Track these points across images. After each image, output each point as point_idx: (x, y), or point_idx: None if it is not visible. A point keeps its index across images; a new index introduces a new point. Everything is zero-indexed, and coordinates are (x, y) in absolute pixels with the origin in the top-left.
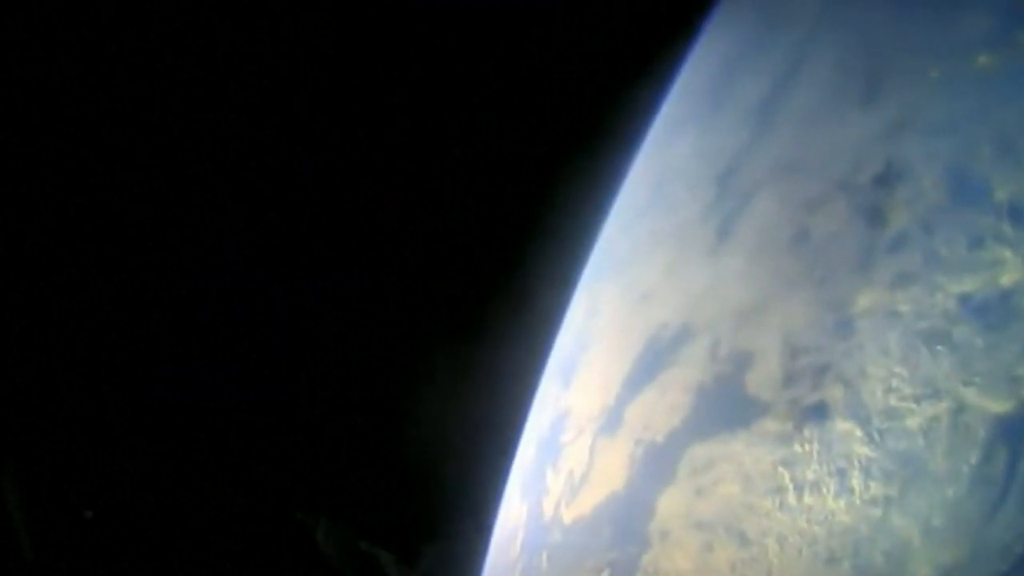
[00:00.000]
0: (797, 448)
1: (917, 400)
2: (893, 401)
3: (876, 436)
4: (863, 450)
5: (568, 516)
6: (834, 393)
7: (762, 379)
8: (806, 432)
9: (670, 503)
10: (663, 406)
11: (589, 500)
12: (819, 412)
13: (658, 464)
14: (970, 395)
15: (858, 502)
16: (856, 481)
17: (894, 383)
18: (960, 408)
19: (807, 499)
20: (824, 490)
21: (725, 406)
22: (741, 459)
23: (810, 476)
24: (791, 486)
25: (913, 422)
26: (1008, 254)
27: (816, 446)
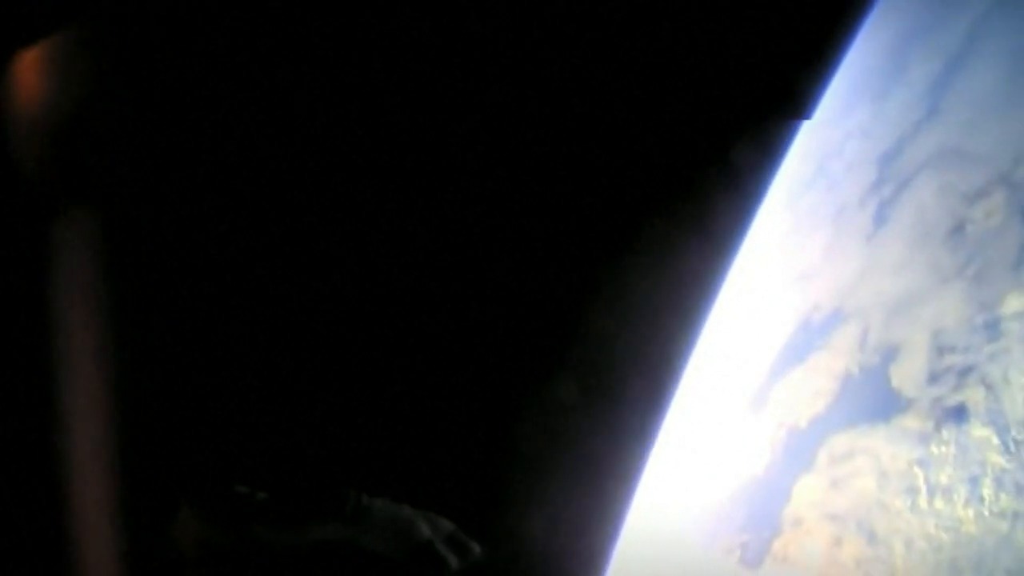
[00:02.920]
0: (934, 449)
1: None
2: None
3: (1012, 446)
4: (998, 459)
5: (707, 494)
6: (975, 396)
7: (907, 373)
8: (944, 433)
9: (806, 491)
10: (809, 390)
11: (730, 479)
12: (959, 414)
13: (799, 450)
14: None
15: (987, 513)
16: (987, 491)
17: None
18: None
19: (938, 503)
20: (955, 496)
21: (868, 397)
22: (879, 454)
23: (943, 480)
24: (924, 488)
25: None
26: None
27: (953, 449)
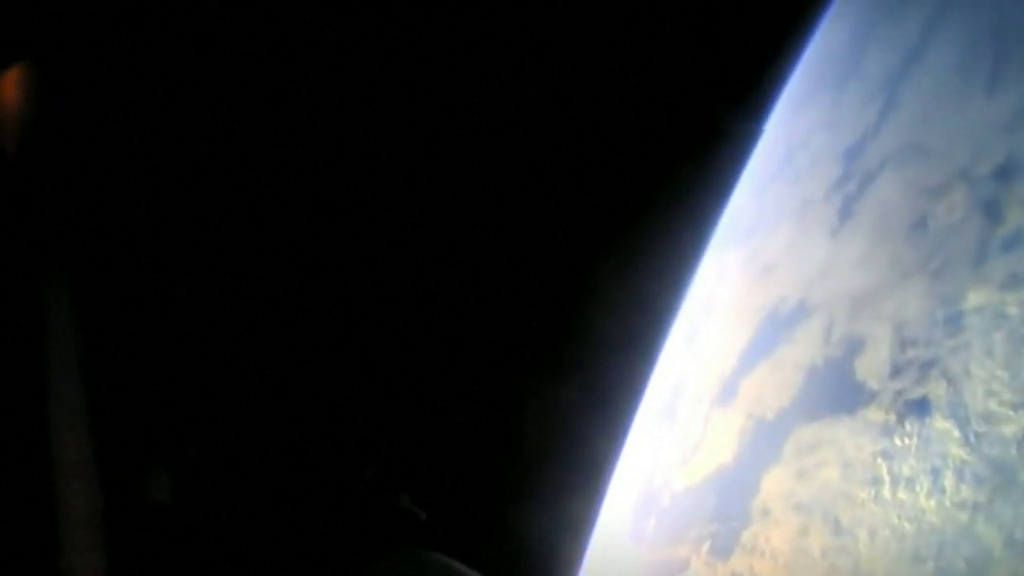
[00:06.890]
0: (897, 441)
1: (1015, 408)
2: (992, 405)
3: (972, 439)
4: (958, 452)
5: (678, 483)
6: (937, 390)
7: (871, 367)
8: (907, 426)
9: (774, 482)
10: (776, 382)
11: (699, 470)
12: (921, 407)
13: (766, 441)
14: None
15: (948, 503)
16: (948, 482)
17: (995, 386)
18: None
19: (901, 494)
20: (917, 487)
21: (834, 390)
22: (844, 445)
23: (906, 471)
24: (887, 479)
25: (1009, 429)
26: None
27: (915, 441)
